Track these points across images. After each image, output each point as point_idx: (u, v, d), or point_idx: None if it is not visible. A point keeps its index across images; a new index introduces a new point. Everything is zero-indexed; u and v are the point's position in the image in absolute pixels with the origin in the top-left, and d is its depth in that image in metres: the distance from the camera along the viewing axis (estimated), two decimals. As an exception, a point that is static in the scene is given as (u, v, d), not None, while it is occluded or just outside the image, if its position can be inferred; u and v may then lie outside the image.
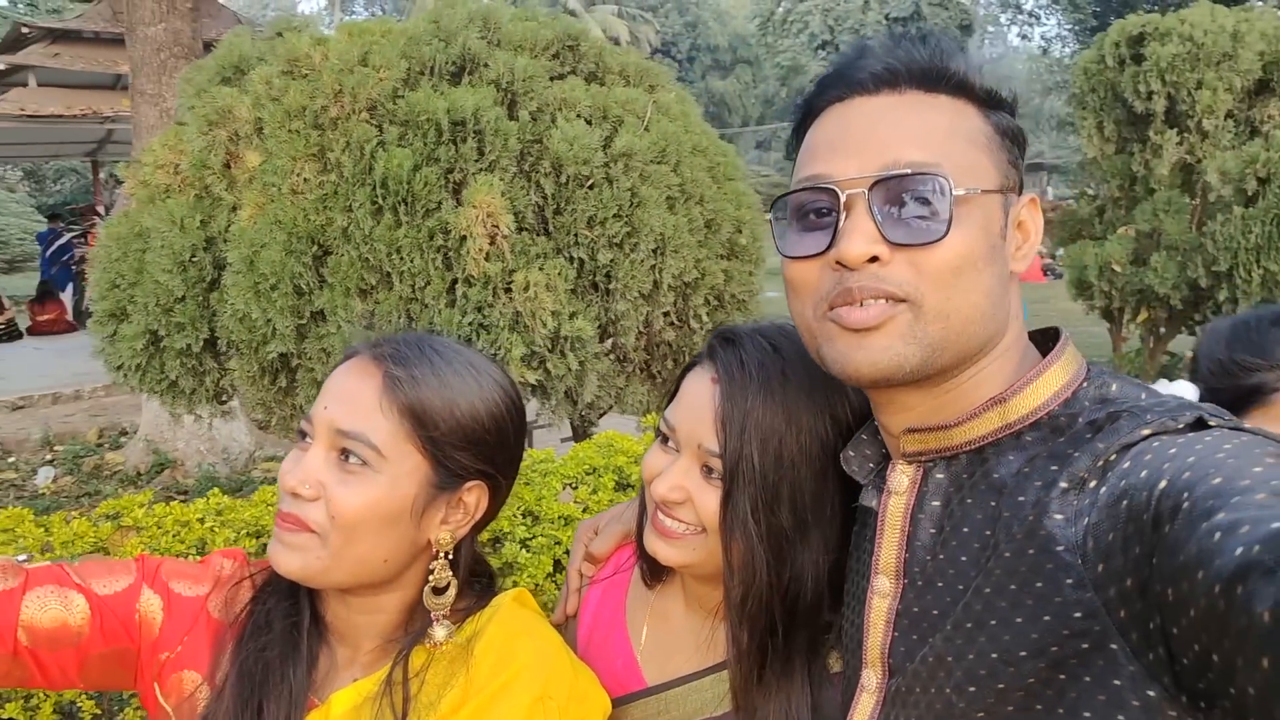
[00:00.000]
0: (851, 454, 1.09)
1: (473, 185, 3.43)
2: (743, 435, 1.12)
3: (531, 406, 4.54)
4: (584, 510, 2.92)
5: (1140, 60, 6.97)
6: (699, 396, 1.18)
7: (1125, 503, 0.76)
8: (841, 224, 0.89)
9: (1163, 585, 0.69)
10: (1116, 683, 0.77)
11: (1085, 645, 0.78)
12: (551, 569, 2.77)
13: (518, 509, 2.86)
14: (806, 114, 0.99)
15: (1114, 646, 0.76)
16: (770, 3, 39.91)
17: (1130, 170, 7.14)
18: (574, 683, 1.19)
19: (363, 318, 3.44)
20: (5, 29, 16.21)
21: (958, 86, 0.92)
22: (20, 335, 14.70)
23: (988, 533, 0.89)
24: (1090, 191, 7.78)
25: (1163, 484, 0.73)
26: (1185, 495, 0.70)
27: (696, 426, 1.17)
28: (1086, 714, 0.79)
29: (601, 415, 4.38)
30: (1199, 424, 0.81)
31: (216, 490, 2.91)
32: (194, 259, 3.65)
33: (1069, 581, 0.79)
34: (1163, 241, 6.78)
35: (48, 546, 2.46)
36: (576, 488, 3.07)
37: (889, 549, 0.99)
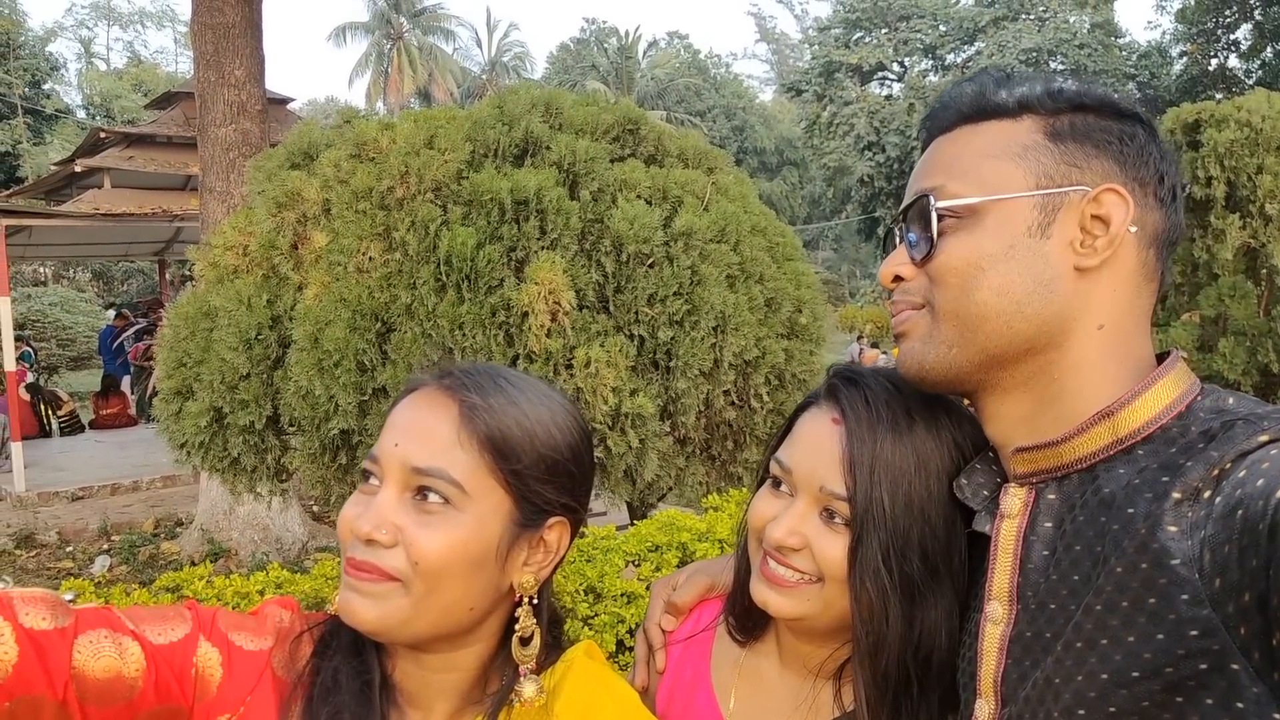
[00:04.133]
0: (964, 481, 1.06)
1: (535, 262, 3.45)
2: (873, 478, 1.06)
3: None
4: (647, 587, 2.84)
5: (1197, 146, 6.93)
6: (820, 437, 1.12)
7: (1241, 513, 0.73)
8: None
9: None
10: (1240, 705, 0.72)
11: (1204, 666, 0.74)
12: (615, 648, 2.69)
13: (580, 585, 2.79)
14: None
15: (1235, 667, 0.72)
16: (816, 107, 40.65)
17: (1192, 256, 7.03)
18: None
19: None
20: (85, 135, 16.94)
21: (1006, 109, 0.98)
22: (83, 428, 15.00)
23: (1098, 549, 0.86)
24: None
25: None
26: None
27: (817, 468, 1.11)
28: None
29: (660, 498, 4.31)
30: None
31: (275, 564, 2.88)
32: (259, 337, 3.69)
33: (1184, 598, 0.75)
34: (1230, 327, 6.63)
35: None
36: (639, 565, 3.00)
37: (1002, 574, 0.97)
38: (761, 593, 1.15)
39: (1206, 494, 0.77)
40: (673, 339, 3.68)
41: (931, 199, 0.96)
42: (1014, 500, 0.97)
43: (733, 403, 4.01)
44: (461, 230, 3.46)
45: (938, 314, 0.97)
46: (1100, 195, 0.92)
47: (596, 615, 2.71)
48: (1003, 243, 0.93)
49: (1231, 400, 0.89)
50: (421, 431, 1.05)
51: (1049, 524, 0.94)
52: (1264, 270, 6.69)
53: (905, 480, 1.06)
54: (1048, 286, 0.92)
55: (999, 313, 0.93)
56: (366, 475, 1.08)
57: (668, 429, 3.86)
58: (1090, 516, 0.89)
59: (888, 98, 40.22)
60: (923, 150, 1.06)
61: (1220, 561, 0.73)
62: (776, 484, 1.17)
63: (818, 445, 1.12)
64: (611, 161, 3.93)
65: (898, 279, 1.02)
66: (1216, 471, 0.78)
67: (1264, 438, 0.77)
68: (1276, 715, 0.70)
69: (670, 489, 4.15)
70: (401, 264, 3.52)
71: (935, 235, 0.96)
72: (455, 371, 1.10)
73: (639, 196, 3.81)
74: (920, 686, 1.09)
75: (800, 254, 4.32)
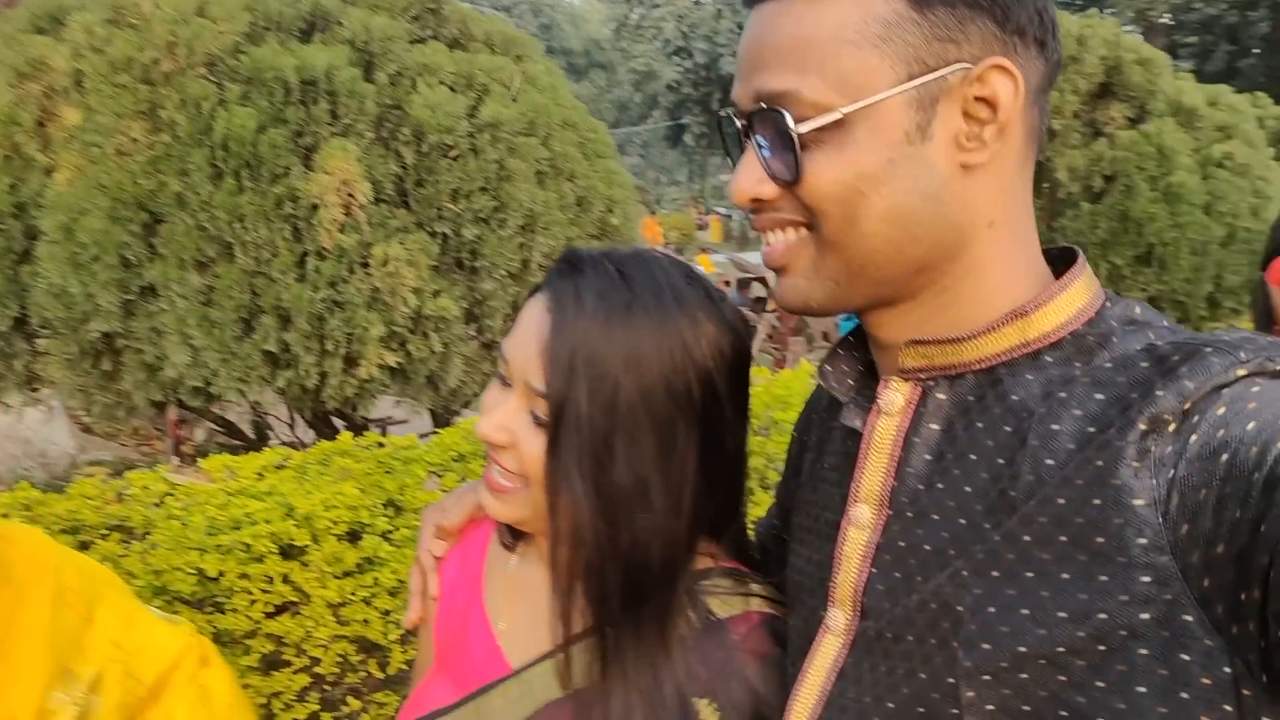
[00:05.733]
0: (829, 368, 0.94)
1: (325, 149, 3.15)
2: (571, 375, 0.95)
3: (388, 399, 4.25)
4: (452, 499, 2.69)
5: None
6: (531, 326, 1.00)
7: (1226, 457, 0.65)
8: (741, 157, 0.85)
9: (1271, 558, 0.60)
10: (1185, 658, 0.66)
11: (1146, 615, 0.67)
12: (417, 563, 2.54)
13: (379, 499, 2.60)
14: None
15: (1188, 618, 0.66)
16: (624, 7, 40.07)
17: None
18: (75, 561, 1.05)
19: (199, 293, 3.11)
20: None
21: None
22: None
23: (1000, 461, 0.77)
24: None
25: None
26: None
27: (526, 362, 0.98)
28: (1141, 689, 0.68)
29: (466, 405, 4.14)
30: None
31: (26, 483, 2.55)
32: (1, 227, 3.23)
33: (1141, 541, 0.68)
34: (1013, 238, 6.99)
35: None
36: (443, 476, 2.84)
37: (873, 475, 0.86)
38: (481, 494, 1.06)
39: (1172, 427, 0.70)
40: (478, 237, 3.47)
41: (787, 117, 0.78)
42: (896, 396, 0.86)
43: (542, 305, 3.86)
44: (240, 111, 3.10)
45: (823, 243, 0.82)
46: (985, 74, 0.77)
47: (397, 530, 2.54)
48: (879, 157, 0.78)
49: (1139, 309, 0.81)
50: None
51: (935, 426, 0.83)
52: (1046, 185, 7.06)
53: (609, 380, 0.95)
54: (935, 199, 0.79)
55: (889, 241, 0.80)
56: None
57: (473, 333, 3.67)
58: (991, 425, 0.79)
59: (696, 2, 40.15)
60: (749, 4, 0.86)
61: (1191, 507, 0.66)
62: (503, 378, 1.05)
63: (527, 336, 1.00)
64: (411, 43, 3.63)
65: (758, 200, 0.85)
66: (1188, 405, 0.69)
67: (1241, 371, 0.69)
68: (1226, 669, 0.65)
69: (476, 396, 3.98)
70: (170, 147, 3.13)
71: (798, 154, 0.79)
72: None
73: (441, 82, 3.54)
74: (627, 601, 1.00)
75: (612, 151, 4.17)
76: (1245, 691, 0.65)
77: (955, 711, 0.76)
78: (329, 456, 2.85)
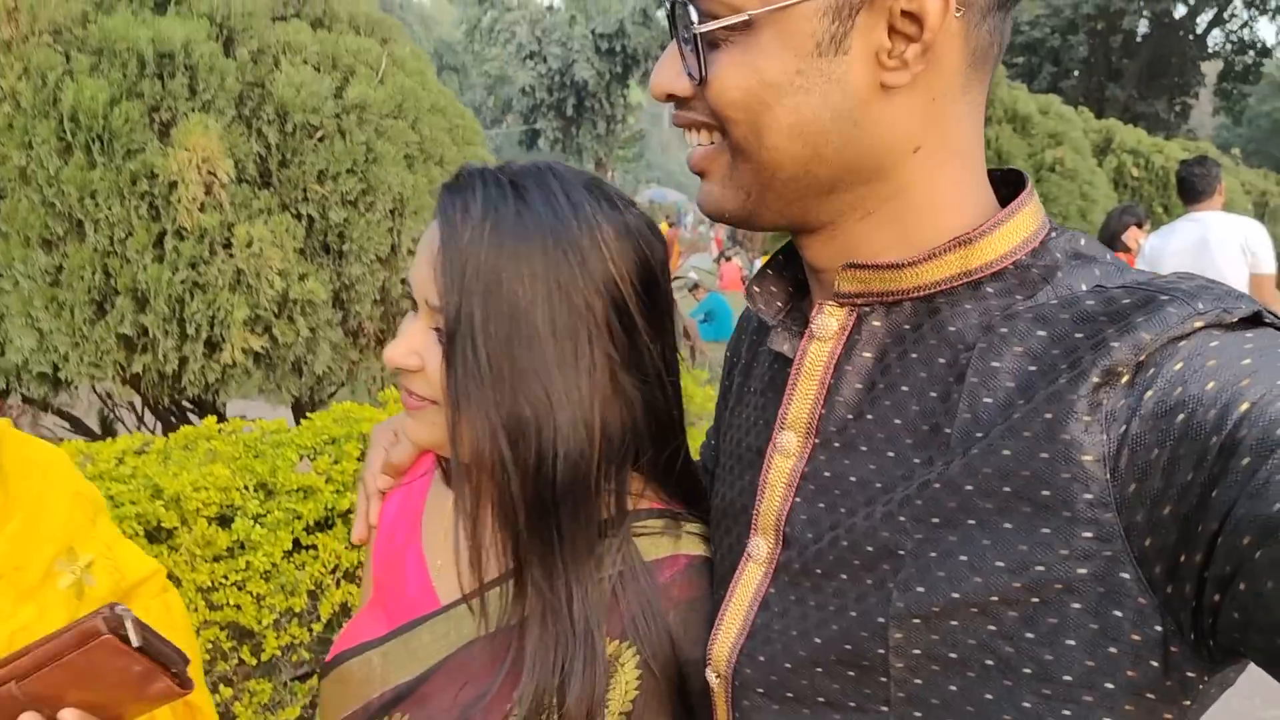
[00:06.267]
0: (756, 289, 0.91)
1: (184, 125, 3.02)
2: (463, 285, 0.92)
3: (245, 401, 4.09)
4: (326, 481, 2.62)
5: None
6: (428, 244, 0.98)
7: (1183, 417, 0.63)
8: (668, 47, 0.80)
9: (1221, 524, 0.59)
10: (1117, 614, 0.66)
11: (1083, 570, 0.66)
12: (291, 546, 2.46)
13: (249, 482, 2.52)
14: None
15: (1125, 576, 0.65)
16: (476, 10, 39.68)
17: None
18: (85, 481, 1.21)
19: (46, 273, 2.93)
20: None
21: None
22: None
23: (934, 394, 0.75)
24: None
25: (1244, 406, 0.60)
26: None
27: (423, 280, 0.96)
28: (1070, 642, 0.68)
29: (332, 394, 4.03)
30: (1255, 319, 0.68)
31: None
32: None
33: (1087, 497, 0.66)
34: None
35: None
36: (315, 458, 2.76)
37: (802, 402, 0.83)
38: (402, 420, 1.05)
39: (1125, 379, 0.66)
40: (346, 220, 3.40)
41: (692, 12, 0.73)
42: (830, 321, 0.81)
43: (410, 292, 3.80)
44: (90, 83, 2.95)
45: (734, 151, 0.78)
46: None
47: (269, 513, 2.46)
48: (786, 66, 0.71)
49: (1083, 241, 0.77)
50: None
51: (868, 354, 0.80)
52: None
53: (503, 288, 0.92)
54: (848, 118, 0.73)
55: (794, 158, 0.75)
56: None
57: (340, 318, 3.59)
58: (926, 355, 0.76)
59: (549, 8, 40.13)
60: None
61: (1141, 466, 0.64)
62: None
63: (422, 254, 0.98)
64: (273, 20, 3.52)
65: (673, 96, 0.80)
66: (1143, 357, 0.66)
67: (1198, 323, 0.66)
68: (1156, 627, 0.65)
69: (342, 385, 3.88)
70: (12, 118, 2.95)
71: (701, 54, 0.74)
72: None
73: (305, 61, 3.45)
74: (537, 524, 0.97)
75: (481, 138, 4.14)
76: (1173, 649, 0.65)
77: (882, 652, 0.74)
78: (193, 441, 2.74)
